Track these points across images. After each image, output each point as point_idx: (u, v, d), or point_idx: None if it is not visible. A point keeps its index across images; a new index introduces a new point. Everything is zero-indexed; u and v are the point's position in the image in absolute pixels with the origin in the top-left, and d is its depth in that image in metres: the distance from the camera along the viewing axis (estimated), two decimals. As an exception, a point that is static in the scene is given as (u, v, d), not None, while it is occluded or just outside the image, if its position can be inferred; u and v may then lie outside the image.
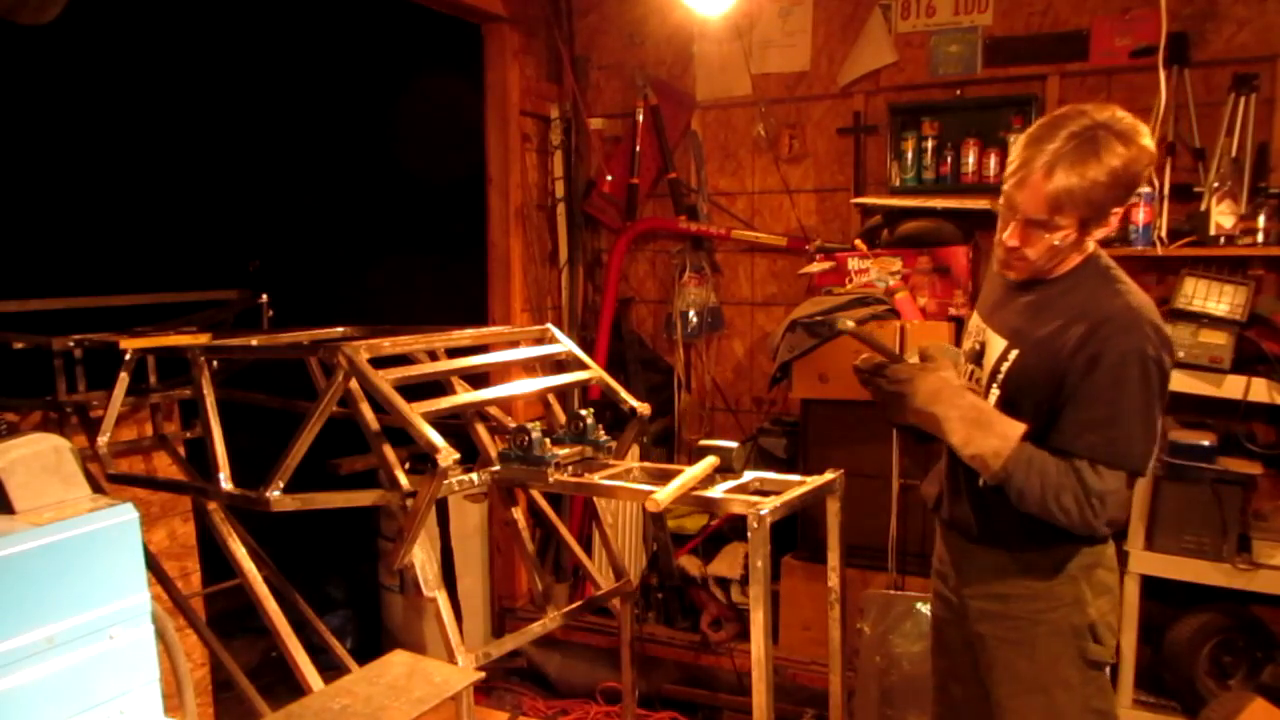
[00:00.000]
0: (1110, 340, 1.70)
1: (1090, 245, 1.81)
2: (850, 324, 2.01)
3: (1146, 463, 1.76)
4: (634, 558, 4.01)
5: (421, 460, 1.91)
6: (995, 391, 1.87)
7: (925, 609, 2.98)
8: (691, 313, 4.09)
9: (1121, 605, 1.98)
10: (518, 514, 2.49)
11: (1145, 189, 3.03)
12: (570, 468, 2.08)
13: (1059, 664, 1.87)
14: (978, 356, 1.96)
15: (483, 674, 1.68)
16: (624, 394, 2.34)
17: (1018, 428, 1.78)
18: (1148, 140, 1.72)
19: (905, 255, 3.47)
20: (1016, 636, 1.90)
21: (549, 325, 2.46)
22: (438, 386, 2.29)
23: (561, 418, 2.30)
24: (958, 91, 3.58)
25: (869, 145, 3.76)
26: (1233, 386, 2.80)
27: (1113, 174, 1.68)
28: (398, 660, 1.59)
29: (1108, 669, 1.93)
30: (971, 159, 3.50)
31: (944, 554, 2.11)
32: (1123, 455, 1.72)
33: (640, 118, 4.05)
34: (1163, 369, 1.72)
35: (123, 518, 1.28)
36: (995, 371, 1.87)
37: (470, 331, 2.38)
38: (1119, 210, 1.75)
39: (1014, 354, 1.84)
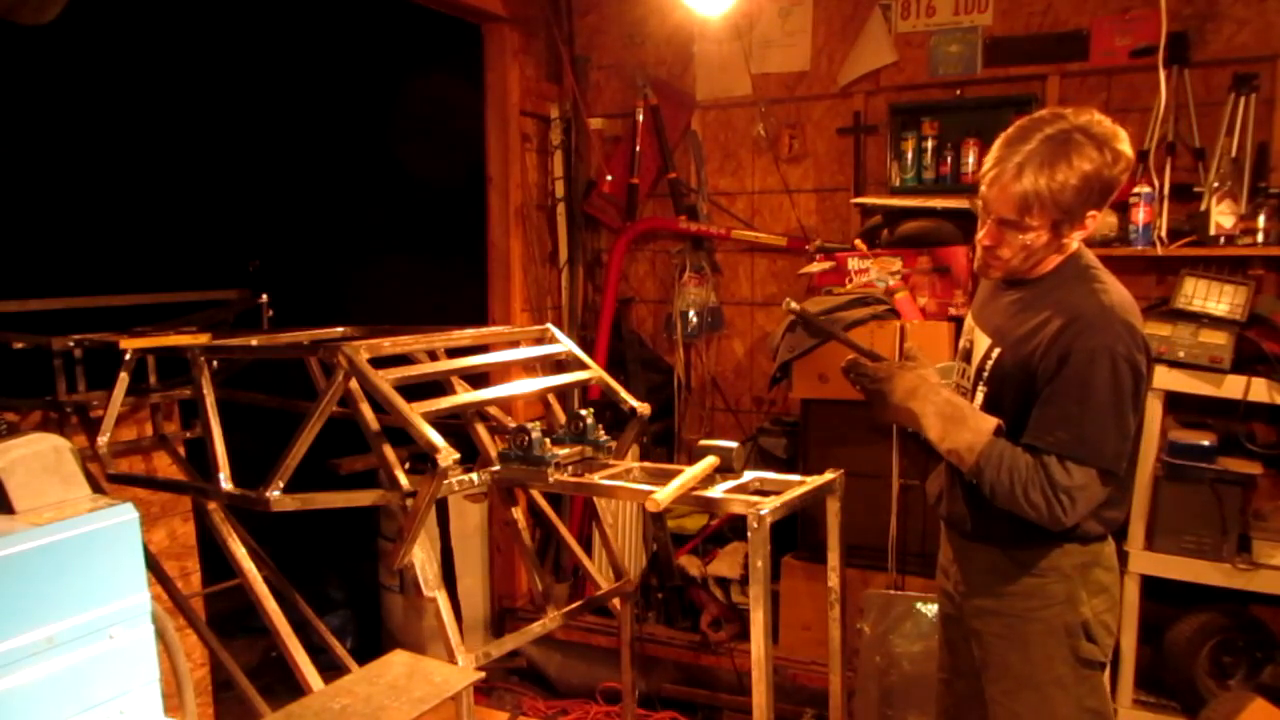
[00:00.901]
0: (1080, 338, 1.72)
1: (1072, 245, 1.82)
2: (795, 304, 2.02)
3: (1118, 461, 1.76)
4: (634, 558, 4.01)
5: (421, 460, 1.91)
6: (982, 390, 1.89)
7: (925, 609, 2.98)
8: (691, 313, 4.09)
9: (1121, 605, 1.98)
10: (518, 514, 2.49)
11: (1145, 189, 3.03)
12: (570, 468, 2.08)
13: (1052, 662, 1.88)
14: (967, 355, 1.99)
15: (483, 674, 1.68)
16: (624, 394, 2.34)
17: (991, 423, 1.81)
18: (1124, 145, 1.73)
19: (905, 255, 3.46)
20: (1010, 634, 1.91)
21: (549, 325, 2.46)
22: (438, 386, 2.29)
23: (561, 418, 2.30)
24: (958, 91, 3.58)
25: (869, 145, 3.76)
26: (1233, 386, 2.80)
27: (1084, 178, 1.69)
28: (398, 660, 1.59)
29: (1106, 668, 1.93)
30: (971, 159, 3.49)
31: (947, 550, 2.12)
32: (1092, 452, 1.72)
33: (640, 118, 4.05)
34: (1135, 368, 1.73)
35: (123, 518, 1.28)
36: (981, 370, 1.90)
37: (470, 331, 2.38)
38: (1095, 213, 1.76)
39: (996, 352, 1.87)
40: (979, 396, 1.90)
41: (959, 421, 1.81)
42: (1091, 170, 1.69)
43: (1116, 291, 1.79)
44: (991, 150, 1.79)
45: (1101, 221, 1.83)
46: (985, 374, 1.88)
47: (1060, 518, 1.73)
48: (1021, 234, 1.77)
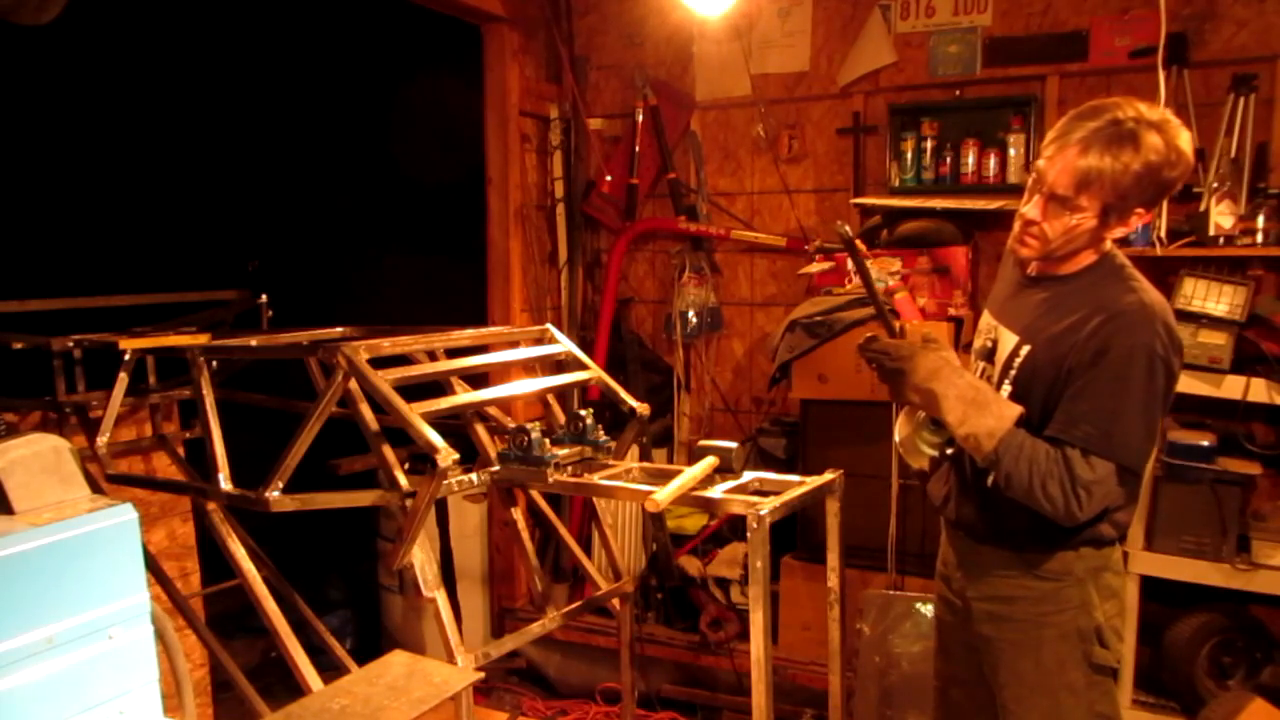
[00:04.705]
0: (1119, 335, 1.70)
1: (1108, 243, 1.81)
2: (846, 227, 1.94)
3: (1141, 461, 1.75)
4: (634, 558, 4.01)
5: (421, 460, 1.91)
6: (1007, 387, 1.86)
7: (925, 609, 2.98)
8: (691, 313, 4.09)
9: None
10: (517, 514, 2.49)
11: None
12: (570, 468, 2.08)
13: (1065, 667, 1.86)
14: (989, 354, 1.95)
15: (482, 674, 1.68)
16: (623, 394, 2.34)
17: (1014, 410, 1.77)
18: (1188, 149, 1.70)
19: (905, 255, 3.46)
20: (1022, 639, 1.89)
21: (548, 325, 2.46)
22: (437, 387, 2.29)
23: (561, 418, 2.30)
24: (957, 92, 3.58)
25: (868, 145, 3.76)
26: (1232, 387, 2.80)
27: (1147, 166, 1.67)
28: (397, 660, 1.59)
29: (1116, 674, 1.92)
30: (971, 159, 3.49)
31: (949, 555, 2.08)
32: (1118, 449, 1.70)
33: (640, 118, 4.05)
34: (1169, 369, 1.72)
35: (122, 518, 1.28)
36: (1008, 367, 1.87)
37: (470, 332, 2.38)
38: (1142, 211, 1.74)
39: (1025, 349, 1.83)
40: (1004, 394, 1.86)
41: (981, 406, 1.77)
42: (1157, 162, 1.67)
43: (1153, 291, 1.77)
44: (1056, 125, 1.75)
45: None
46: (1013, 371, 1.85)
47: (1075, 512, 1.71)
48: (1070, 213, 1.73)
